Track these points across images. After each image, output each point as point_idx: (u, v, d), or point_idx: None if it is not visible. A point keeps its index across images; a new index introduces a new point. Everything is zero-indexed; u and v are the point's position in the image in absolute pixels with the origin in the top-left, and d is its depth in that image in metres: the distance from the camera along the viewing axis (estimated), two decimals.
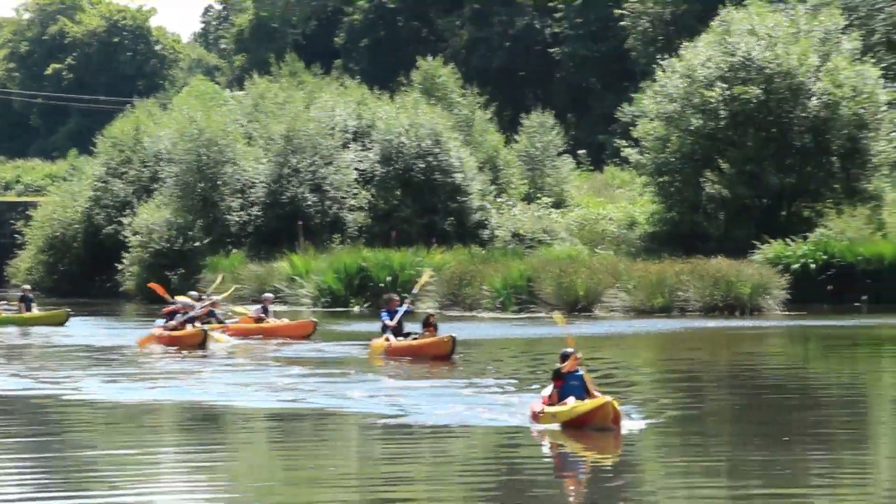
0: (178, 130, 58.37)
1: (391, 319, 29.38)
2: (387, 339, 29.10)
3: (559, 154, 64.40)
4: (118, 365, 27.55)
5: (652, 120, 51.31)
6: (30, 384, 23.56)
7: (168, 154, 58.51)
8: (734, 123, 49.24)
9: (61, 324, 40.72)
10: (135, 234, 56.27)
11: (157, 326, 33.15)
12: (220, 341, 32.58)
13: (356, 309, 46.41)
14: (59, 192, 66.63)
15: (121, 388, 22.81)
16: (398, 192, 56.09)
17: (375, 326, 31.06)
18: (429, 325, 28.73)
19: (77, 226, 62.40)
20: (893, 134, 49.71)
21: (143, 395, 21.67)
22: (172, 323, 32.92)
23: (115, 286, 57.79)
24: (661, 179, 50.97)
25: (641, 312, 41.46)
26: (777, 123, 49.10)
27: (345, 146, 58.18)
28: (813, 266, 44.01)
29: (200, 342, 31.22)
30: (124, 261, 57.07)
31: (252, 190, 56.70)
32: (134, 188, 60.51)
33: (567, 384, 17.47)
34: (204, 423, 19.40)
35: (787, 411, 19.67)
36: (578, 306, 42.41)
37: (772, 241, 45.51)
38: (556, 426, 17.01)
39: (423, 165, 55.98)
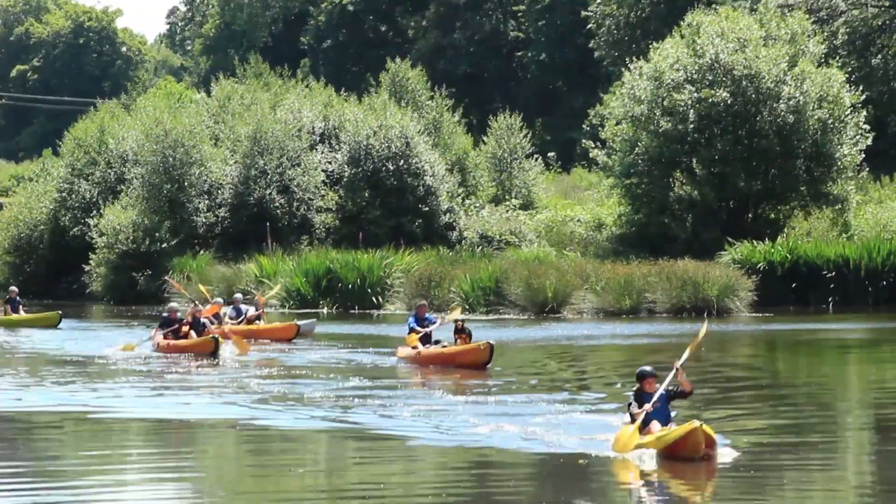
0: (143, 132, 58.17)
1: (419, 326, 27.12)
2: (414, 347, 26.84)
3: (527, 156, 64.56)
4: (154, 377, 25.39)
5: (619, 122, 51.49)
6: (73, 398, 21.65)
7: (134, 155, 58.31)
8: (702, 126, 49.47)
9: (54, 326, 40.11)
10: (101, 235, 56.00)
11: (156, 333, 30.96)
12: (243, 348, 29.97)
13: (325, 311, 46.35)
14: (25, 194, 66.21)
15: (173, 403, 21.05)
16: (366, 194, 56.08)
17: (360, 330, 30.42)
18: (461, 331, 26.50)
19: (43, 227, 62.02)
20: (858, 137, 50.05)
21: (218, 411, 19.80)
22: (183, 329, 30.43)
23: (82, 288, 57.51)
24: (628, 181, 51.15)
25: (609, 314, 41.62)
26: (744, 126, 49.36)
27: (312, 148, 58.17)
28: (779, 268, 44.31)
29: (212, 350, 28.89)
30: (91, 262, 56.81)
31: (219, 191, 56.58)
32: (100, 189, 60.19)
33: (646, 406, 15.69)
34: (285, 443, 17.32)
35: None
36: (547, 308, 42.55)
37: (739, 242, 45.78)
38: (646, 453, 15.23)
39: (392, 167, 56.00)
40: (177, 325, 30.54)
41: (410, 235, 53.80)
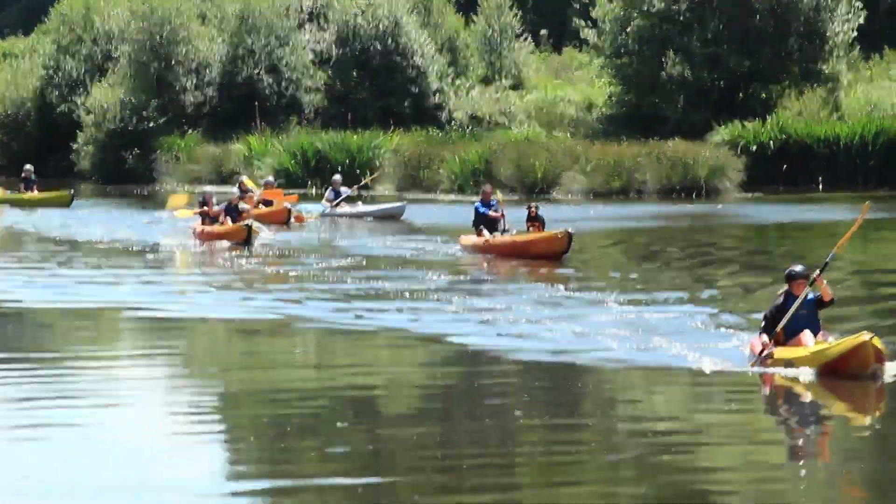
0: (129, 9, 57.56)
1: (487, 210, 25.17)
2: (480, 234, 25.00)
3: (517, 36, 63.93)
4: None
5: (611, 1, 50.95)
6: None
7: (120, 33, 57.77)
8: (695, 5, 48.99)
9: (66, 205, 39.82)
10: (88, 113, 55.72)
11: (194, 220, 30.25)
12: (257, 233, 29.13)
13: (313, 191, 46.28)
14: (11, 71, 65.59)
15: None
16: (355, 74, 55.68)
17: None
18: (534, 218, 24.55)
19: (29, 104, 61.59)
20: (850, 15, 49.65)
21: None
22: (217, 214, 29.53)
23: (70, 166, 57.27)
24: (619, 61, 50.79)
25: (599, 195, 41.60)
26: (737, 5, 48.87)
27: (300, 27, 57.61)
28: (769, 148, 44.25)
29: (245, 238, 27.95)
30: (78, 140, 56.56)
31: (207, 70, 56.15)
32: (87, 67, 59.67)
33: (793, 315, 13.54)
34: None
35: None
36: (536, 189, 42.51)
37: (729, 123, 45.64)
38: (791, 372, 13.20)
39: (381, 47, 55.52)
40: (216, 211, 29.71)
41: (399, 116, 53.50)
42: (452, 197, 42.92)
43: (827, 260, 13.61)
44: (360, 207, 35.75)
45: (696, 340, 14.75)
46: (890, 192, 40.80)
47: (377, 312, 17.47)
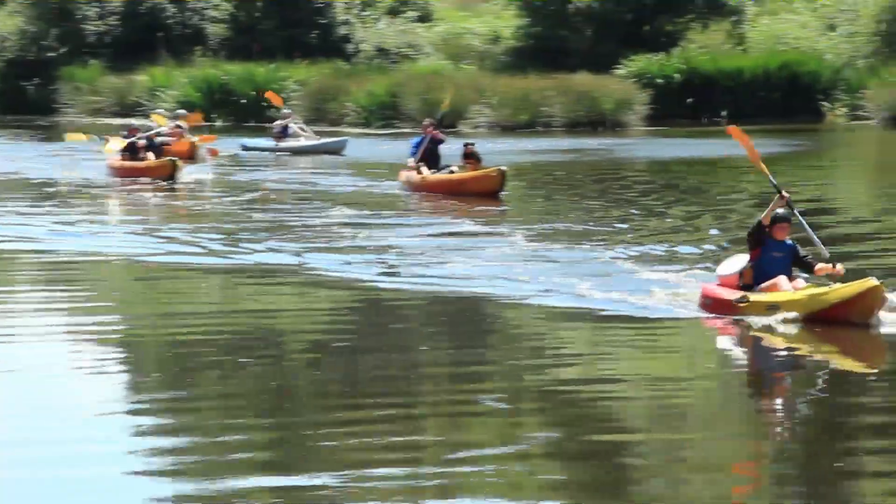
0: None
1: (415, 149, 24.82)
2: (418, 171, 24.59)
3: None
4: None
5: None
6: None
7: None
8: None
9: None
10: None
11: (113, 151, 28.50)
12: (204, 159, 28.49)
13: (219, 123, 45.78)
14: None
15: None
16: (259, 4, 54.96)
17: None
18: (470, 155, 24.02)
19: None
20: None
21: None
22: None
23: None
24: None
25: (506, 129, 41.63)
26: None
27: None
28: (674, 81, 44.52)
29: (170, 174, 26.70)
30: None
31: None
32: None
33: (768, 255, 12.66)
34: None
35: None
36: (443, 122, 42.29)
37: (635, 56, 45.81)
38: (772, 318, 12.14)
39: None
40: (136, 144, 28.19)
41: (306, 47, 52.97)
42: (359, 130, 42.70)
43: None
44: (301, 142, 34.77)
45: (603, 278, 14.63)
46: (794, 125, 41.30)
47: (288, 252, 17.30)
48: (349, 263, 16.28)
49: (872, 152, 36.82)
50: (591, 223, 19.80)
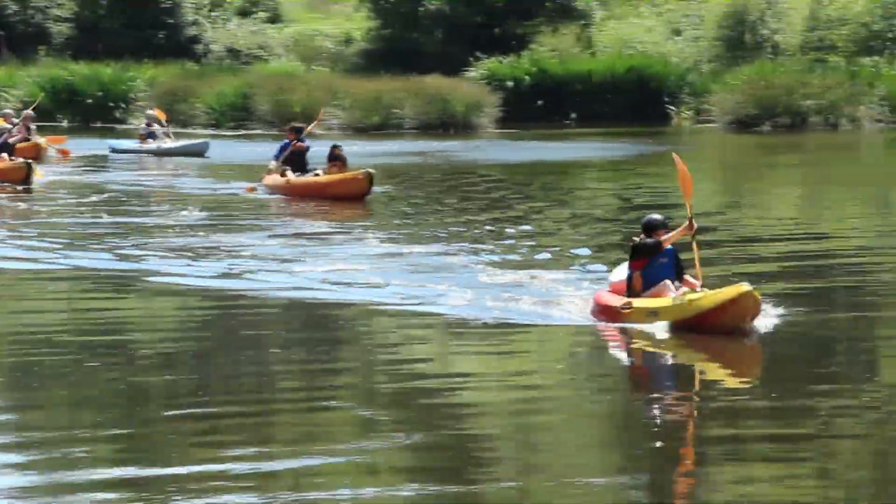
0: None
1: (279, 153, 24.32)
2: (283, 174, 24.01)
3: None
4: None
5: None
6: None
7: None
8: None
9: None
10: None
11: None
12: (40, 176, 26.80)
13: (65, 123, 44.93)
14: None
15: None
16: (104, 3, 54.04)
17: None
18: (336, 158, 23.61)
19: None
20: None
21: None
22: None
23: None
24: None
25: (358, 130, 41.59)
26: None
27: None
28: (525, 83, 44.95)
29: (24, 177, 25.47)
30: None
31: None
32: None
33: (654, 262, 12.51)
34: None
35: None
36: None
37: (486, 58, 46.14)
38: (656, 325, 12.09)
39: None
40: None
41: (154, 48, 52.22)
42: (210, 132, 42.24)
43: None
44: (163, 144, 34.02)
45: (461, 282, 14.58)
46: (642, 128, 41.98)
47: (138, 257, 17.03)
48: (201, 268, 16.10)
49: (716, 154, 37.62)
50: (451, 227, 19.75)
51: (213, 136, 40.28)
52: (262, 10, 58.99)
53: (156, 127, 34.45)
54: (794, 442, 8.89)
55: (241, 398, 10.06)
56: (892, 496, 7.80)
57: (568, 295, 13.63)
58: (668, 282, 12.34)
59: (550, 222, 20.61)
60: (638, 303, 12.20)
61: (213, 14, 56.63)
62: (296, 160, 24.18)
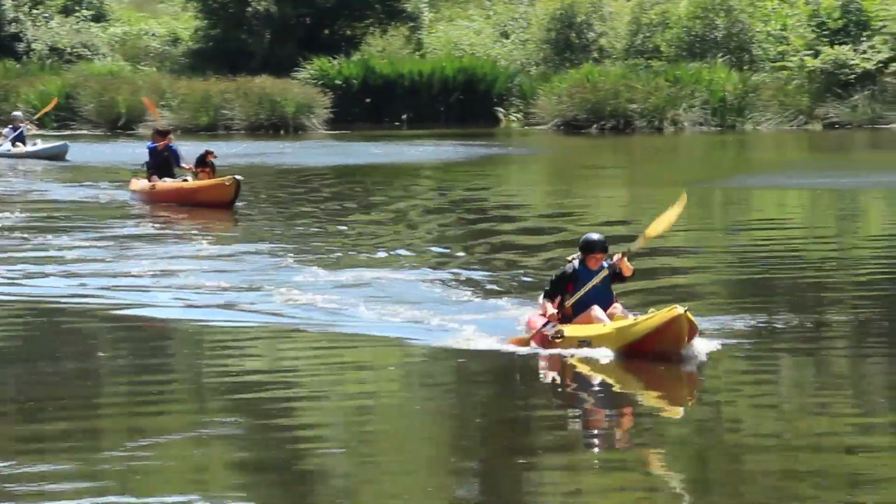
0: None
1: (149, 156, 23.29)
2: (149, 179, 23.17)
3: None
4: None
5: None
6: None
7: None
8: None
9: None
10: None
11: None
12: None
13: None
14: None
15: None
16: None
17: None
18: (205, 164, 22.97)
19: None
20: None
21: None
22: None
23: None
24: None
25: (186, 131, 41.07)
26: None
27: None
28: (355, 84, 44.99)
29: None
30: None
31: None
32: None
33: (583, 286, 11.61)
34: None
35: None
36: (120, 124, 41.65)
37: (315, 59, 46.03)
38: (585, 352, 11.22)
39: None
40: None
41: None
42: (34, 132, 41.19)
43: (636, 248, 11.82)
44: (22, 147, 32.87)
45: (287, 284, 14.29)
46: (472, 129, 42.30)
47: None
48: (29, 276, 15.55)
49: (544, 157, 37.99)
50: (293, 231, 19.53)
51: (38, 136, 39.33)
52: (86, 9, 57.89)
53: (25, 130, 33.42)
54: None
55: (65, 402, 9.83)
56: None
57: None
58: (596, 308, 11.46)
59: (385, 225, 20.51)
60: (570, 331, 11.38)
61: (34, 12, 55.35)
62: (163, 165, 23.27)
